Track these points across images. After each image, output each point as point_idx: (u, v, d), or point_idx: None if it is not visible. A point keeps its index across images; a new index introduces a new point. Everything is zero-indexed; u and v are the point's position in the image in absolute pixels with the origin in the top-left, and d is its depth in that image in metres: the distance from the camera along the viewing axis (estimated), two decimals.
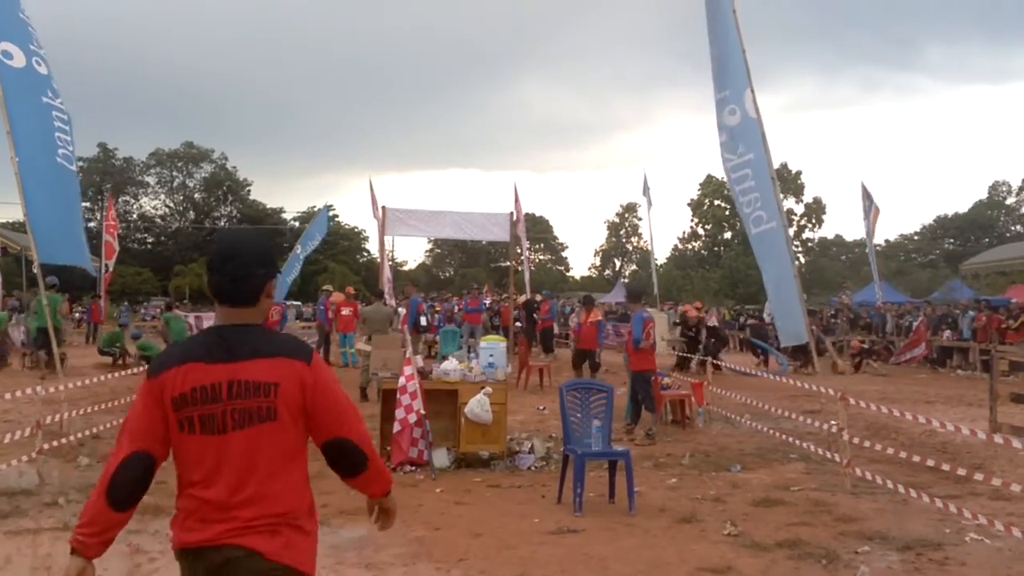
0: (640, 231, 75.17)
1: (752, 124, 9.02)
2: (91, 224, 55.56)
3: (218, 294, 2.54)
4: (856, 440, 7.68)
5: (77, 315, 33.04)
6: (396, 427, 8.00)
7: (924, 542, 5.69)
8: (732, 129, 9.24)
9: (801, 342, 10.24)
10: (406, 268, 69.89)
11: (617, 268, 78.01)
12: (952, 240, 71.63)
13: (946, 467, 6.60)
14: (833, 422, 8.59)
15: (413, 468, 8.01)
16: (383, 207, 15.74)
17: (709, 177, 69.77)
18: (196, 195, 71.51)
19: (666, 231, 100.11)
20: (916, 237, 74.25)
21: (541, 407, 12.61)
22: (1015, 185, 74.30)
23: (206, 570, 2.48)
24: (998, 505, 6.73)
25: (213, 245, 2.69)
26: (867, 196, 27.68)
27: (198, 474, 2.51)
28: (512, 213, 16.46)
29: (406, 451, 8.00)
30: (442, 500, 6.96)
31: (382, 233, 16.45)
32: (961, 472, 6.46)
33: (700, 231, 70.39)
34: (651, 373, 10.38)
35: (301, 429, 2.52)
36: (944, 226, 72.82)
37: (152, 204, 71.66)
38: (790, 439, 9.32)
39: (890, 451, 7.68)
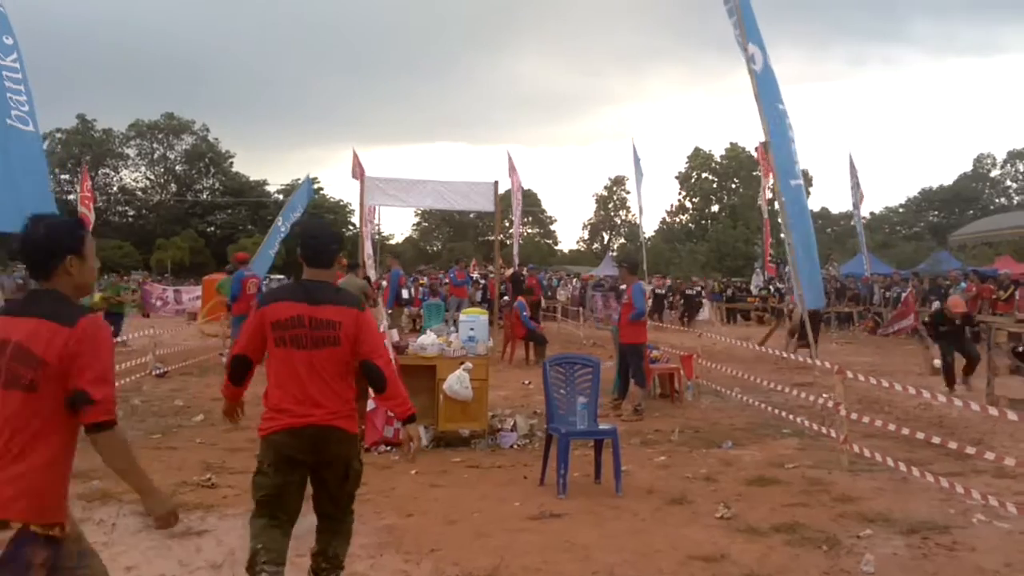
0: (628, 204, 74.71)
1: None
2: (70, 197, 54.75)
3: (306, 259, 3.96)
4: (850, 415, 7.32)
5: None
6: (370, 405, 7.57)
7: (929, 525, 5.32)
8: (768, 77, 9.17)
9: (821, 305, 10.01)
10: (393, 242, 69.19)
11: (605, 241, 77.58)
12: (937, 212, 71.57)
13: (952, 444, 6.23)
14: (827, 395, 8.26)
15: (388, 448, 7.60)
16: (359, 177, 15.25)
17: (697, 150, 69.43)
18: (177, 167, 70.40)
19: (654, 204, 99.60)
20: (901, 209, 74.21)
21: (527, 382, 12.23)
22: (1000, 158, 74.24)
23: (302, 445, 3.87)
24: (1003, 483, 6.38)
25: (303, 227, 4.36)
26: (853, 170, 27.35)
27: (281, 379, 3.86)
28: (496, 182, 16.00)
29: (381, 430, 7.59)
30: (417, 483, 6.55)
31: (363, 202, 15.97)
32: (970, 451, 6.10)
33: (688, 204, 70.06)
34: (643, 346, 10.00)
35: (352, 354, 3.84)
36: (929, 198, 72.71)
37: (133, 177, 70.52)
38: (782, 413, 8.99)
39: (885, 425, 7.35)
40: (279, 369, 3.87)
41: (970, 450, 6.12)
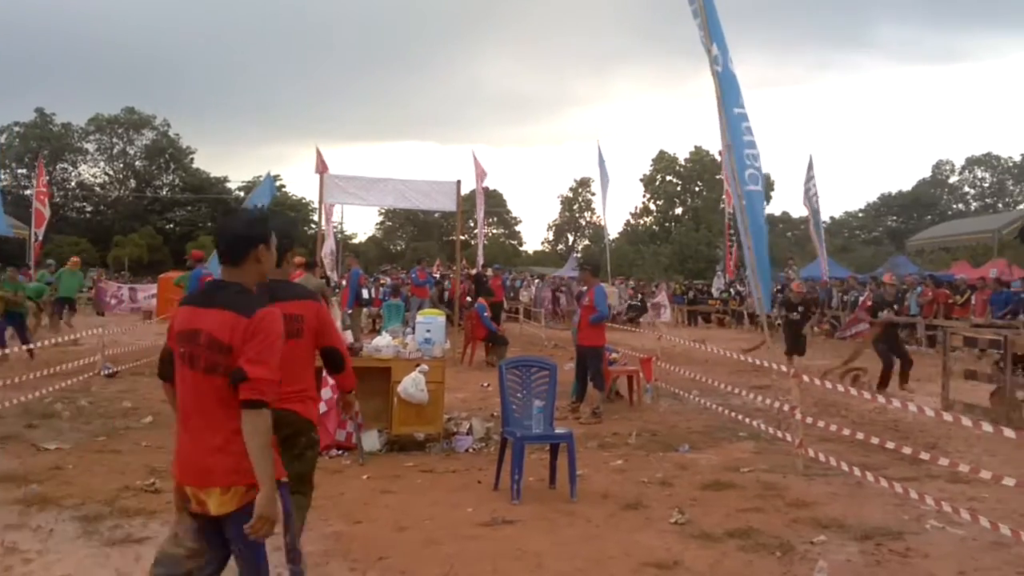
0: (593, 206, 74.91)
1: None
2: (27, 191, 53.56)
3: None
4: (806, 418, 7.31)
5: None
6: (322, 408, 7.38)
7: (883, 531, 5.30)
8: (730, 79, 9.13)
9: (768, 310, 10.07)
10: (356, 241, 68.70)
11: (570, 243, 77.69)
12: (896, 217, 72.69)
13: (907, 449, 6.23)
14: (783, 399, 8.26)
15: (340, 452, 7.44)
16: (321, 174, 15.03)
17: (662, 153, 69.83)
18: (137, 163, 69.26)
19: (619, 206, 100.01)
20: (860, 214, 75.29)
21: (485, 384, 12.12)
22: (958, 164, 75.64)
23: None
24: (957, 488, 6.38)
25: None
26: (811, 173, 27.55)
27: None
28: (459, 182, 15.82)
29: (333, 434, 7.41)
30: (368, 488, 6.40)
31: (322, 200, 15.74)
32: (924, 456, 6.11)
33: (652, 207, 70.41)
34: (602, 349, 9.94)
35: (316, 343, 4.22)
36: (888, 204, 73.85)
37: (91, 172, 69.29)
38: (739, 416, 8.98)
39: (840, 429, 7.35)
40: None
41: (924, 455, 6.12)
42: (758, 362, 9.39)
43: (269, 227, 3.22)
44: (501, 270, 21.27)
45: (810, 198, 27.40)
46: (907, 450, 6.18)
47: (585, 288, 10.41)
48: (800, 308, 12.90)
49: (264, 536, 2.94)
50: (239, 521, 2.92)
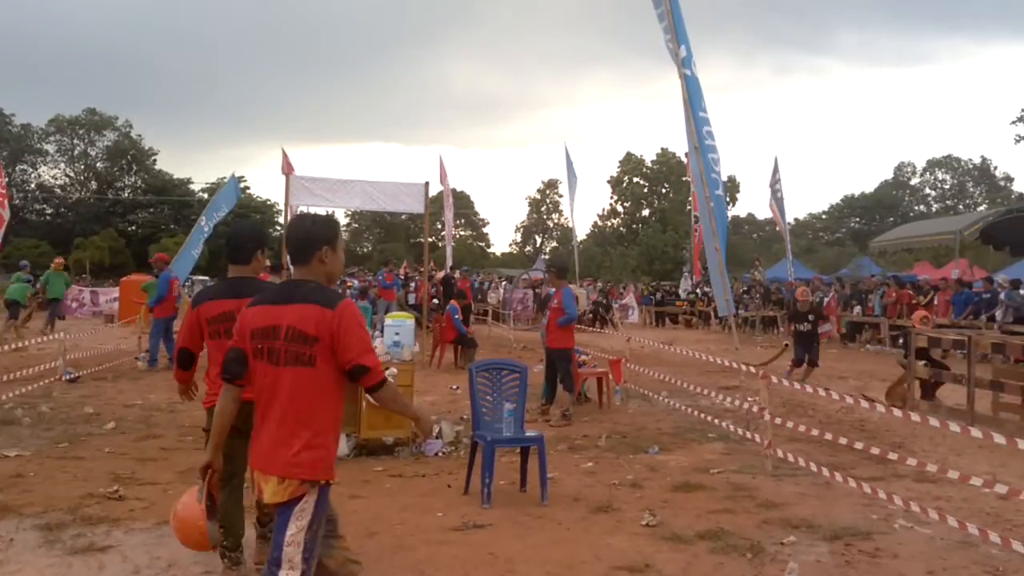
0: (561, 208, 75.12)
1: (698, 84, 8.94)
2: None
3: (229, 258, 4.64)
4: (775, 419, 7.35)
5: None
6: None
7: (852, 531, 5.33)
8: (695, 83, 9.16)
9: (731, 312, 10.11)
10: None
11: (538, 244, 77.81)
12: (858, 219, 73.72)
13: (875, 450, 6.28)
14: (752, 399, 8.30)
15: None
16: (286, 176, 14.87)
17: (629, 155, 70.07)
18: (98, 164, 68.31)
19: (586, 208, 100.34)
20: (824, 216, 76.26)
21: (454, 387, 12.07)
22: (919, 166, 76.91)
23: (241, 417, 3.60)
24: (923, 488, 6.44)
25: (229, 230, 4.66)
26: (776, 174, 27.83)
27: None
28: (427, 183, 15.74)
29: None
30: (336, 493, 6.15)
31: (287, 202, 15.57)
32: (892, 456, 6.16)
33: (619, 208, 70.66)
34: (571, 351, 9.92)
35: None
36: (851, 205, 74.88)
37: (52, 173, 68.22)
38: (708, 418, 9.02)
39: (809, 430, 7.41)
40: (217, 356, 4.31)
41: (892, 455, 6.17)
42: (726, 363, 9.42)
43: (335, 230, 3.49)
44: (469, 272, 21.15)
45: (777, 200, 27.70)
46: (875, 450, 6.23)
47: (552, 290, 10.39)
48: (810, 317, 12.53)
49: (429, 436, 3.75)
50: (285, 512, 3.16)
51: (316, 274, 3.37)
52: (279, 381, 3.22)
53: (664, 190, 68.14)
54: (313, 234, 3.40)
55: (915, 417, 5.88)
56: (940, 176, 76.21)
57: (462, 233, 73.61)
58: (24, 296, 19.30)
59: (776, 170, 27.53)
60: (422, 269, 21.32)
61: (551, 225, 78.14)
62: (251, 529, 4.66)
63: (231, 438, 3.91)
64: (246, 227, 5.00)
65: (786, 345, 13.83)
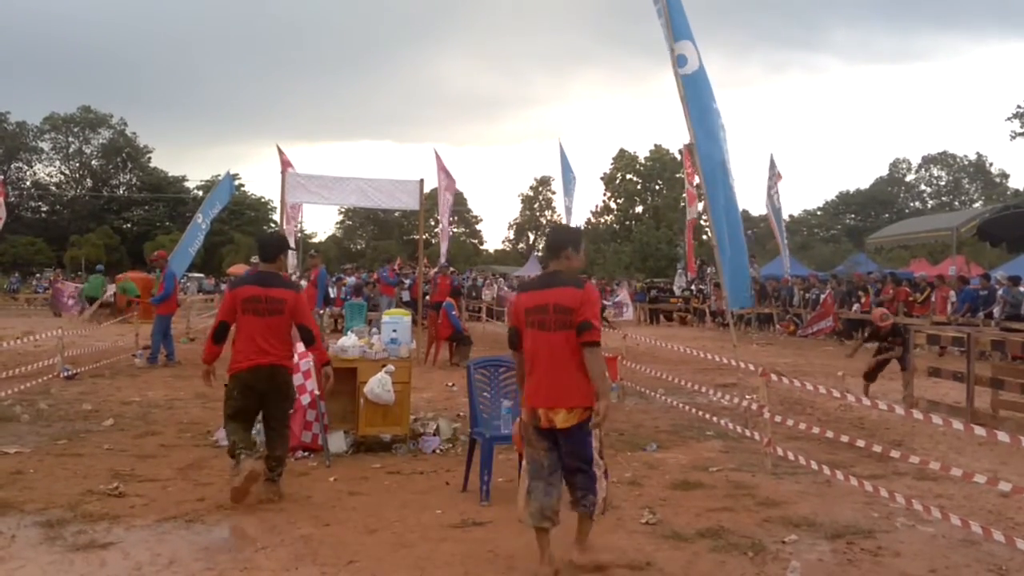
0: (554, 205, 75.03)
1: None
2: None
3: (260, 257, 6.32)
4: (774, 417, 7.34)
5: None
6: None
7: (854, 529, 5.31)
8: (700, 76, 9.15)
9: (749, 306, 10.03)
10: (316, 240, 68.08)
11: (531, 241, 77.73)
12: (854, 215, 73.77)
13: (877, 448, 6.25)
14: (751, 397, 8.29)
15: (306, 454, 7.32)
16: (282, 172, 14.82)
17: (622, 151, 70.13)
18: (94, 162, 68.20)
19: (580, 205, 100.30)
20: (819, 212, 76.28)
21: (451, 384, 12.05)
22: (915, 162, 77.00)
23: (258, 378, 5.89)
24: (924, 486, 6.44)
25: (258, 237, 7.74)
26: (773, 168, 27.76)
27: (249, 334, 5.93)
28: (422, 180, 15.69)
29: (298, 435, 7.28)
30: (335, 490, 6.30)
31: (284, 199, 15.53)
32: (894, 454, 6.14)
33: (612, 205, 70.66)
34: None
35: (291, 320, 6.04)
36: (846, 202, 74.94)
37: (47, 171, 68.14)
38: (706, 415, 9.00)
39: (809, 428, 7.40)
40: (244, 329, 5.96)
41: (895, 453, 6.15)
42: (724, 360, 9.41)
43: (577, 237, 4.84)
44: (445, 268, 21.05)
45: (771, 197, 27.65)
46: (877, 448, 6.21)
47: None
48: (891, 338, 11.66)
49: (600, 427, 4.56)
50: (578, 432, 4.53)
51: (563, 266, 4.66)
52: (550, 343, 4.50)
53: (658, 187, 68.19)
54: (561, 238, 4.79)
55: (917, 415, 5.87)
56: (935, 173, 76.34)
57: (455, 230, 73.56)
58: (99, 291, 24.26)
59: (772, 166, 27.46)
60: (416, 266, 21.28)
61: (544, 222, 78.06)
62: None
63: (247, 391, 5.90)
64: (273, 235, 7.01)
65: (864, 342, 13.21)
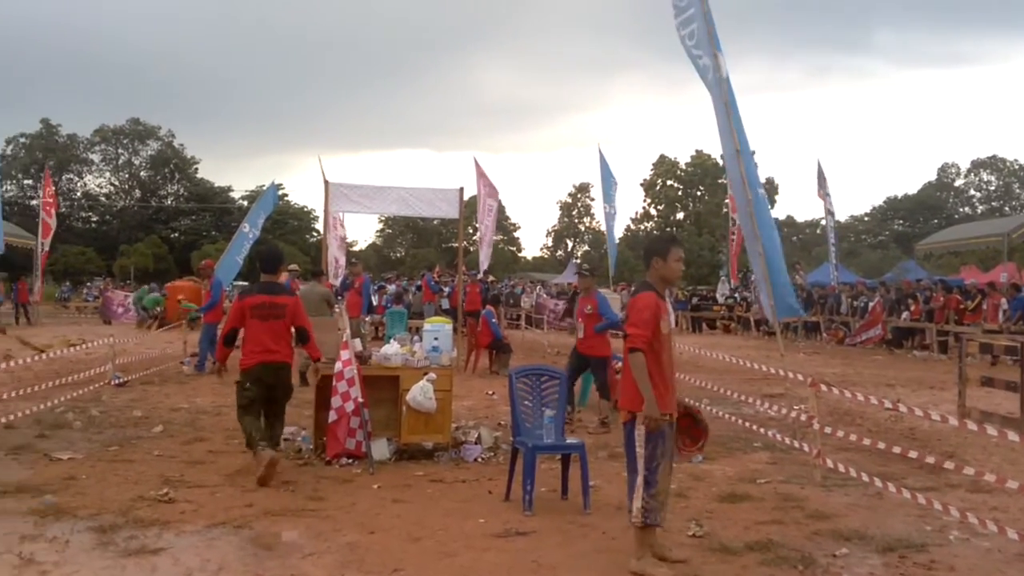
0: (593, 211, 74.75)
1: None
2: (33, 202, 53.63)
3: (262, 269, 7.24)
4: (823, 427, 7.20)
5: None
6: (332, 416, 7.34)
7: (906, 542, 5.19)
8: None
9: (799, 314, 9.81)
10: (356, 248, 68.65)
11: (569, 248, 77.54)
12: (902, 221, 72.51)
13: (930, 459, 6.12)
14: (799, 407, 8.16)
15: (350, 461, 7.35)
16: (325, 182, 14.98)
17: (662, 157, 69.64)
18: (142, 173, 69.35)
19: (619, 211, 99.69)
20: (867, 218, 75.06)
21: (491, 392, 12.04)
22: (963, 167, 75.45)
23: (266, 373, 6.86)
24: (978, 498, 6.28)
25: (258, 251, 9.13)
26: (821, 177, 27.40)
27: (256, 336, 6.89)
28: (462, 189, 15.78)
29: (342, 442, 7.34)
30: (379, 498, 6.32)
31: (327, 209, 15.71)
32: (948, 466, 5.99)
33: (653, 212, 70.19)
34: (609, 358, 9.73)
35: (291, 322, 7.03)
36: (894, 207, 73.65)
37: (97, 182, 69.44)
38: (752, 426, 8.87)
39: (860, 439, 7.25)
40: (252, 331, 6.94)
41: (948, 465, 6.00)
42: (771, 370, 9.27)
43: (665, 246, 4.98)
44: (474, 276, 21.03)
45: (824, 201, 27.24)
46: (930, 459, 6.07)
47: (581, 293, 10.02)
48: None
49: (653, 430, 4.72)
50: (624, 429, 4.99)
51: (651, 275, 4.96)
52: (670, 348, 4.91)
53: (699, 192, 67.62)
54: (648, 249, 5.12)
55: (971, 426, 5.73)
56: (985, 177, 74.72)
57: (493, 238, 73.65)
58: (153, 305, 25.51)
59: (820, 173, 27.08)
60: (454, 274, 21.35)
61: (582, 229, 77.80)
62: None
63: (258, 383, 6.85)
64: (273, 249, 8.23)
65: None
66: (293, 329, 7.10)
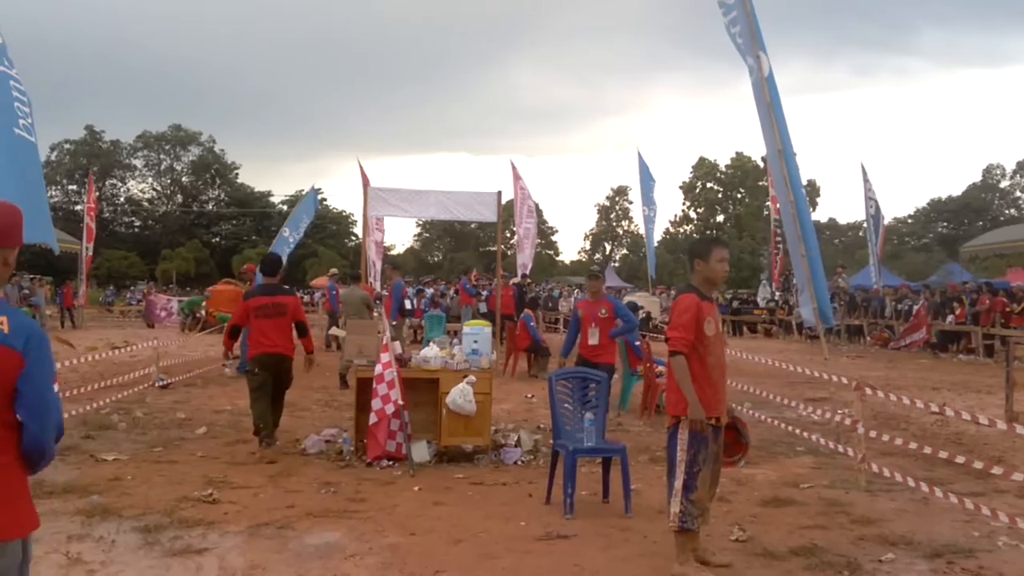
0: (631, 215, 74.44)
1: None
2: (77, 207, 54.72)
3: (263, 272, 8.62)
4: (868, 432, 7.09)
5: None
6: (372, 418, 7.39)
7: (953, 548, 5.10)
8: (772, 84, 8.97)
9: (828, 324, 9.68)
10: (394, 252, 69.10)
11: (607, 252, 77.29)
12: (946, 223, 71.19)
13: (978, 464, 6.00)
14: (843, 411, 8.05)
15: (391, 463, 7.40)
16: (364, 186, 15.09)
17: (702, 159, 69.25)
18: (184, 178, 70.54)
19: (658, 214, 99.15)
20: (910, 220, 73.84)
21: (529, 395, 12.03)
22: (1009, 168, 73.85)
23: (270, 361, 7.92)
24: None
25: (262, 259, 9.46)
26: (866, 180, 27.02)
27: (262, 331, 7.97)
28: (499, 192, 15.81)
29: (383, 444, 7.38)
30: (420, 500, 6.35)
31: (366, 213, 15.82)
32: (996, 471, 5.87)
33: (692, 215, 69.75)
34: (614, 368, 9.39)
35: (293, 319, 8.14)
36: (938, 209, 72.34)
37: (139, 187, 70.74)
38: (795, 430, 8.76)
39: (906, 443, 7.14)
40: (256, 327, 7.94)
41: (996, 470, 5.89)
42: (814, 373, 9.15)
43: (705, 248, 4.98)
44: (507, 280, 21.01)
45: (869, 204, 26.88)
46: (977, 464, 5.95)
47: (590, 296, 9.48)
48: None
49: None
50: (668, 433, 4.93)
51: (695, 277, 4.97)
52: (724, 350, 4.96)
53: (739, 195, 67.06)
54: (690, 251, 5.14)
55: (1020, 430, 5.61)
56: None
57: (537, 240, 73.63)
58: (191, 307, 25.91)
59: (865, 176, 26.69)
60: (492, 278, 21.39)
61: (620, 232, 77.50)
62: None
63: (264, 368, 7.84)
64: (273, 257, 9.32)
65: None
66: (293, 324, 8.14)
